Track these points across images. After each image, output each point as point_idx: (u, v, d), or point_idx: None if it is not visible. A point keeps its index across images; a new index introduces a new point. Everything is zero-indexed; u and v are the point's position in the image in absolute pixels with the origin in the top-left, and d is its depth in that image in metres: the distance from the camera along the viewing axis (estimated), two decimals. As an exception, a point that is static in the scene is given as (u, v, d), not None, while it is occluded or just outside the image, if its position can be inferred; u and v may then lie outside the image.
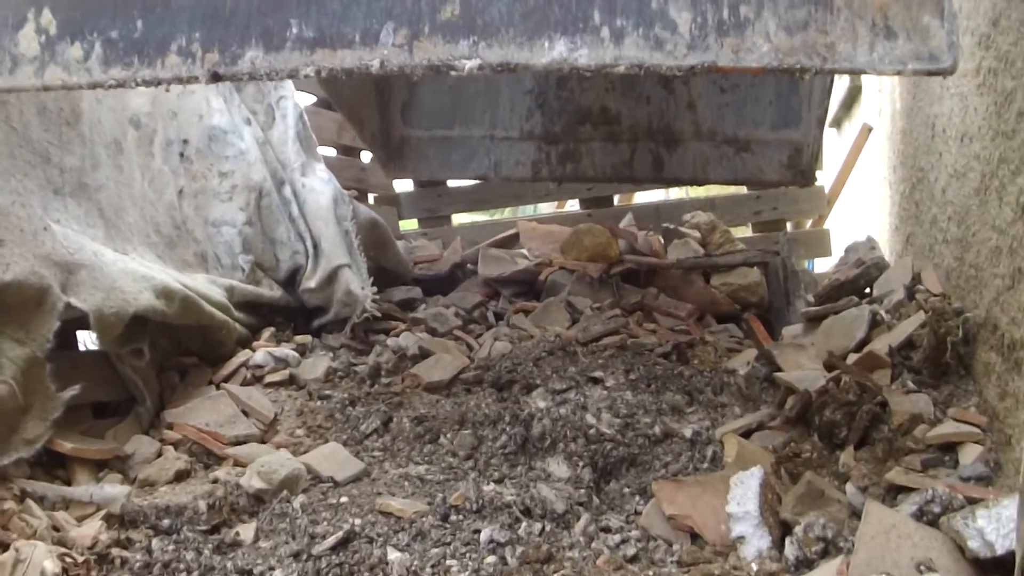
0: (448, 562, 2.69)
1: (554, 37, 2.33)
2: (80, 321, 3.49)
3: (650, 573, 2.60)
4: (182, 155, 4.64)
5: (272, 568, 2.72)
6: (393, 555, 2.72)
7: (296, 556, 2.77)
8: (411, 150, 6.08)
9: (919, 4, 2.23)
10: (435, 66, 2.38)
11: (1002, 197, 3.03)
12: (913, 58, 2.23)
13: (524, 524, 2.90)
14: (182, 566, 2.76)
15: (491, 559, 2.70)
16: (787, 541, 2.60)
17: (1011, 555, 2.22)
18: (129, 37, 2.57)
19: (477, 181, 6.86)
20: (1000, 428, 2.89)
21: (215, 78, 2.52)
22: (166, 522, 3.01)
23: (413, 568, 2.65)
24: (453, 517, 2.97)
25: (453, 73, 2.39)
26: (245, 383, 4.08)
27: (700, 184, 6.23)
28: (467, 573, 2.60)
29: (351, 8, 2.44)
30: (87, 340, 3.92)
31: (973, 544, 2.32)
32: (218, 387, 3.99)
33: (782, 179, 5.93)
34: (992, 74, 3.22)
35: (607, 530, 2.94)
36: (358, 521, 2.94)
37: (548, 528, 2.91)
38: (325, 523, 2.97)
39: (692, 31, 2.28)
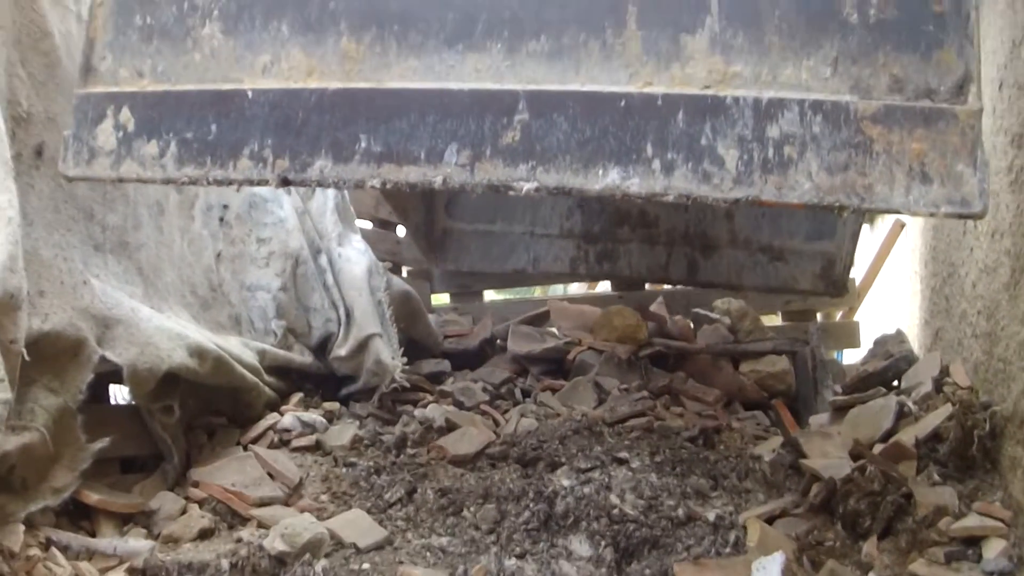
0: (468, 632, 2.70)
1: (608, 166, 2.48)
2: (113, 375, 3.53)
3: (669, 653, 2.60)
4: (222, 219, 4.69)
5: (292, 630, 2.74)
6: (413, 622, 2.73)
7: (316, 619, 2.79)
8: (453, 242, 6.21)
9: (954, 152, 2.36)
10: (495, 186, 2.54)
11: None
12: (946, 202, 2.35)
13: (544, 600, 2.90)
14: (202, 623, 2.78)
15: (510, 631, 2.70)
16: (808, 628, 2.60)
17: (1032, 649, 2.21)
18: (203, 139, 2.74)
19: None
20: (1025, 523, 2.89)
21: (284, 183, 2.68)
22: (188, 579, 3.03)
23: (433, 636, 2.65)
24: (474, 589, 2.98)
25: (511, 193, 2.52)
26: (272, 446, 4.10)
27: (734, 290, 6.28)
28: (486, 643, 2.60)
29: (418, 128, 2.59)
30: (118, 394, 3.97)
31: (994, 637, 2.32)
32: (245, 448, 4.01)
33: (814, 289, 6.06)
34: (1024, 172, 3.26)
35: (627, 610, 2.94)
36: (379, 587, 2.95)
37: (568, 604, 2.91)
38: (346, 588, 2.98)
39: (738, 167, 2.42)
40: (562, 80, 2.57)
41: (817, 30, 2.49)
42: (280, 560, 3.16)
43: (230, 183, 2.75)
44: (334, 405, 4.68)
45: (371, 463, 4.03)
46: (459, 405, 4.98)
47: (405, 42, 2.68)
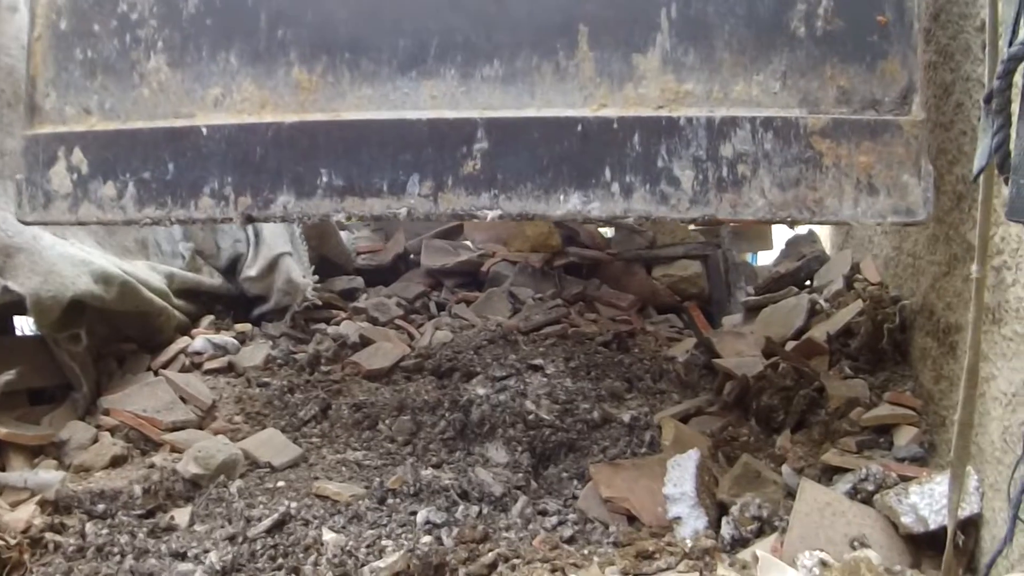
0: (383, 542, 2.70)
1: (569, 191, 2.55)
2: (17, 306, 3.45)
3: (586, 552, 2.61)
4: (123, 141, 4.58)
5: (207, 551, 2.71)
6: (328, 536, 2.72)
7: (231, 539, 2.76)
8: None
9: (899, 164, 2.47)
10: (459, 215, 2.60)
11: (940, 187, 3.06)
12: (892, 212, 2.49)
13: (461, 507, 2.91)
14: (116, 549, 2.74)
15: (427, 539, 2.70)
16: (723, 521, 2.63)
17: (943, 530, 2.25)
18: (162, 179, 2.72)
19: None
20: (935, 410, 2.93)
21: (248, 220, 2.71)
22: (100, 507, 2.98)
23: (348, 548, 2.65)
24: (390, 500, 2.98)
25: (475, 221, 2.64)
26: (184, 370, 4.04)
27: None
28: (402, 552, 2.59)
29: (379, 159, 2.61)
30: (24, 325, 3.89)
31: (907, 520, 2.36)
32: (156, 373, 3.95)
33: None
34: (932, 68, 3.26)
35: (544, 513, 2.95)
36: (294, 504, 2.93)
37: (485, 511, 2.92)
38: (261, 507, 2.96)
39: (694, 187, 2.51)
40: (518, 104, 2.60)
41: (766, 45, 2.54)
42: (194, 483, 3.14)
43: (193, 223, 2.75)
44: (246, 326, 4.64)
45: (285, 382, 4.00)
46: (373, 321, 4.94)
47: (358, 70, 2.67)
